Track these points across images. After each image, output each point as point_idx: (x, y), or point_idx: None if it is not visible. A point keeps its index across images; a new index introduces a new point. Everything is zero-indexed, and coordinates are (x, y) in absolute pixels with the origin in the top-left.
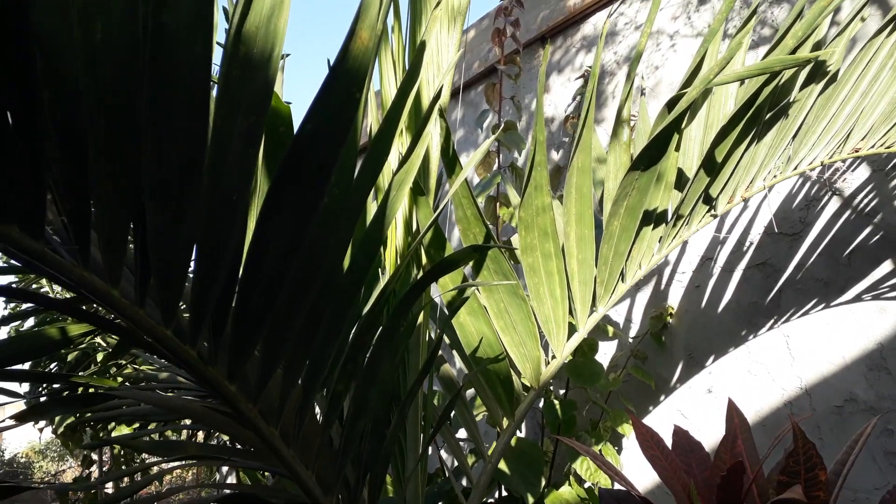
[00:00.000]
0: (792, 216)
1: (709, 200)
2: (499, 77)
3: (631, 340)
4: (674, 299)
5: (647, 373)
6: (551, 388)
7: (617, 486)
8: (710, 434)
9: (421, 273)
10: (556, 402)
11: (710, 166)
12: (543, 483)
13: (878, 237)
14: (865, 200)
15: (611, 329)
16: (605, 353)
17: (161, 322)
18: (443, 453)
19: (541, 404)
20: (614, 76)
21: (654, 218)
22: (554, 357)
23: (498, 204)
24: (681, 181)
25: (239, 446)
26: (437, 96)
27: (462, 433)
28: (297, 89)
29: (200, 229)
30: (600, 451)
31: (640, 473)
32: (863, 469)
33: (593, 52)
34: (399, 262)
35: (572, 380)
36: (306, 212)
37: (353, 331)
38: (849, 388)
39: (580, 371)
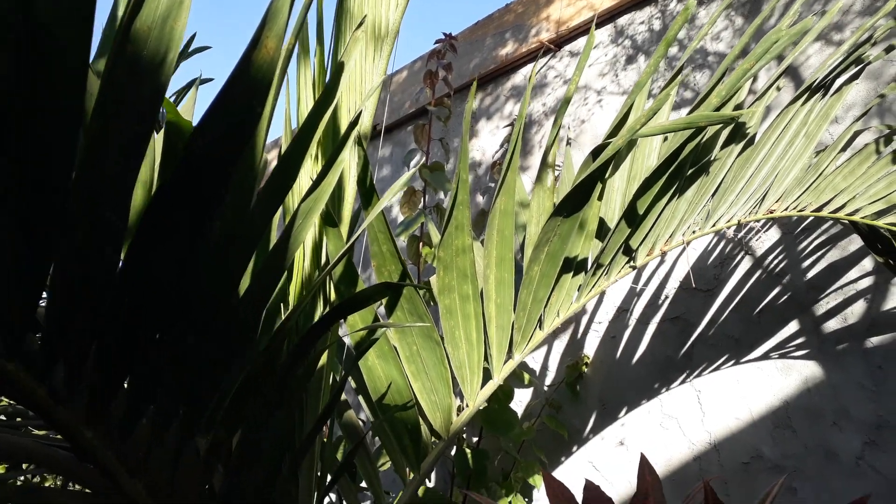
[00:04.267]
0: (707, 273)
1: (629, 251)
2: (429, 118)
3: (546, 388)
4: (590, 349)
5: (560, 423)
6: (464, 435)
7: None
8: (621, 487)
9: (328, 310)
10: (468, 450)
11: (632, 217)
12: None
13: (785, 297)
14: (776, 262)
15: (526, 376)
16: (520, 400)
17: (3, 352)
18: None
19: (453, 451)
20: (542, 126)
21: (574, 266)
22: (467, 405)
23: (421, 244)
24: (602, 231)
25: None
26: (355, 122)
27: None
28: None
29: (62, 249)
30: (510, 502)
31: None
32: None
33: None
34: (305, 294)
35: (486, 428)
36: (192, 237)
37: (247, 369)
38: (756, 446)
39: (494, 419)
